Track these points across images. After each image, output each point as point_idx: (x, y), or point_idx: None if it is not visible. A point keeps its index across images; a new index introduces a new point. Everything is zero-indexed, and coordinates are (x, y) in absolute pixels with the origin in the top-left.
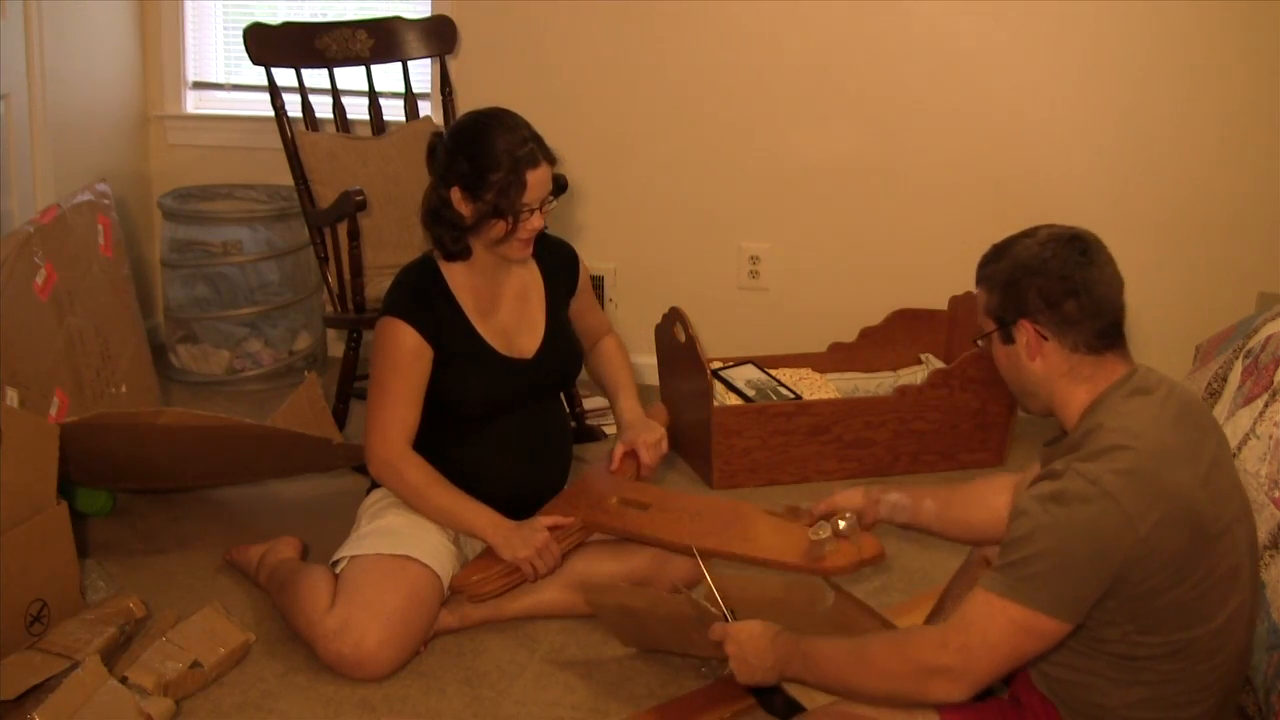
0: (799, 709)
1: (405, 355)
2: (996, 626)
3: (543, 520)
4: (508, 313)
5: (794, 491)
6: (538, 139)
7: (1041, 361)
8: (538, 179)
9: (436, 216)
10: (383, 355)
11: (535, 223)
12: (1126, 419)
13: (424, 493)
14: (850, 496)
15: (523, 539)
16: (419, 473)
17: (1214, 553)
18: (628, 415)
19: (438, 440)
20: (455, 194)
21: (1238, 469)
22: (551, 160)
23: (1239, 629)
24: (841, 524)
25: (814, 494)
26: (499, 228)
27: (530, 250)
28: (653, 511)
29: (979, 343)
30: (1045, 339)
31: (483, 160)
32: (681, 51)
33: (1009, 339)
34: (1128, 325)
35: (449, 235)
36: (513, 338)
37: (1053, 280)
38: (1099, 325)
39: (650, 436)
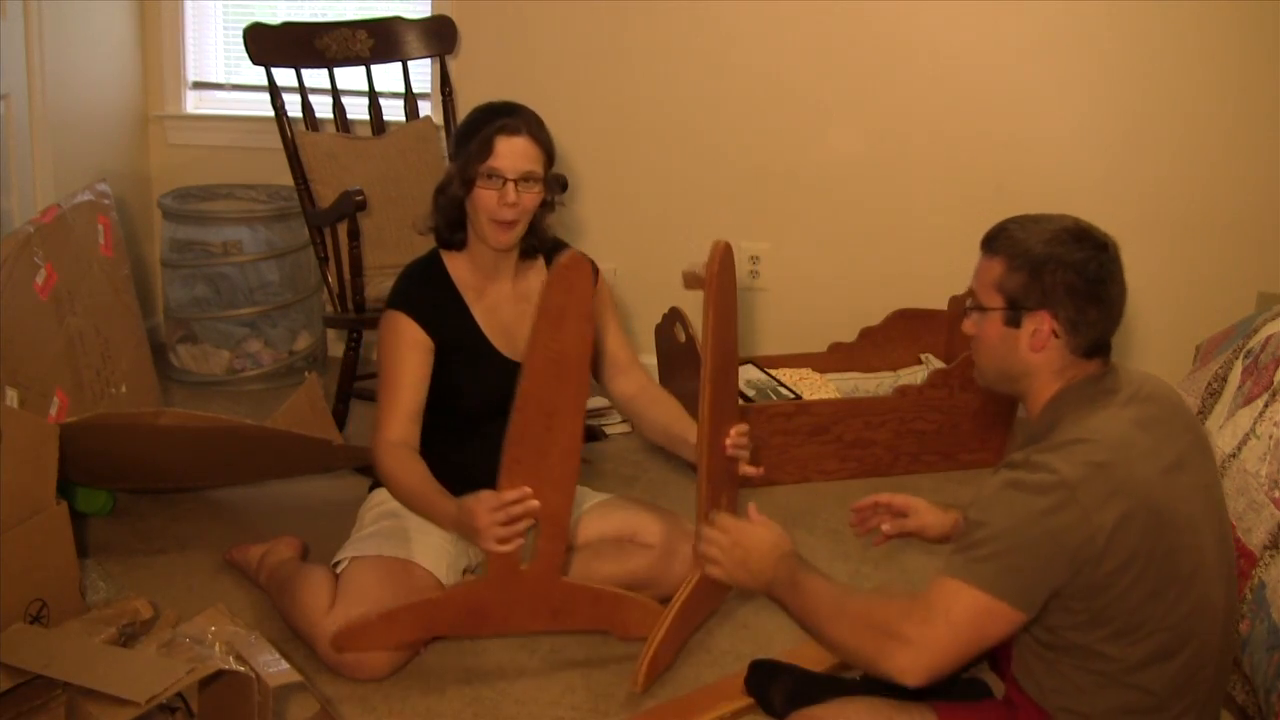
0: (798, 707)
1: (403, 346)
2: (958, 606)
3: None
4: (510, 314)
5: (794, 491)
6: (531, 119)
7: (1043, 356)
8: (511, 148)
9: (439, 194)
10: (383, 348)
11: (509, 197)
12: (1086, 415)
13: (396, 476)
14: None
15: (470, 514)
16: (394, 460)
17: (1176, 548)
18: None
19: (437, 442)
20: (450, 168)
21: (1239, 469)
22: (538, 138)
23: (1209, 633)
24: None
25: (814, 494)
26: (477, 200)
27: (509, 236)
28: None
29: (970, 311)
30: (1056, 336)
31: (463, 128)
32: (682, 52)
33: (1015, 323)
34: (1128, 325)
35: (444, 218)
36: (514, 339)
37: (1087, 283)
38: (1105, 335)
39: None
